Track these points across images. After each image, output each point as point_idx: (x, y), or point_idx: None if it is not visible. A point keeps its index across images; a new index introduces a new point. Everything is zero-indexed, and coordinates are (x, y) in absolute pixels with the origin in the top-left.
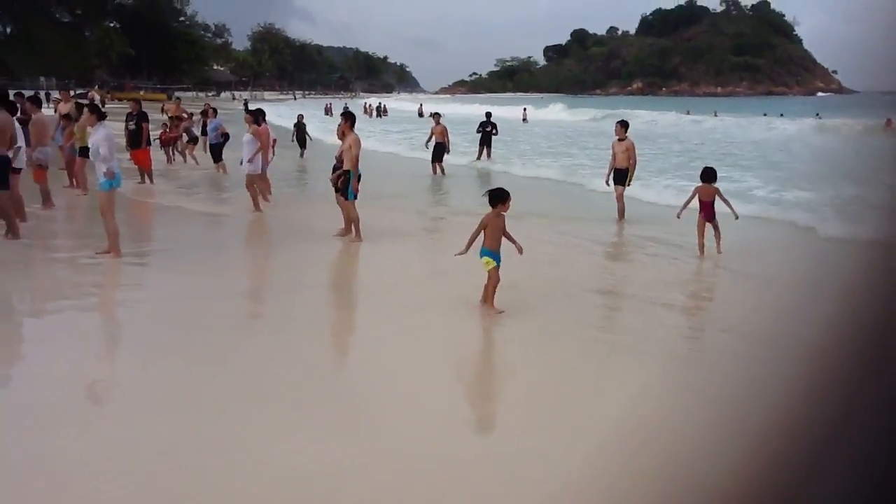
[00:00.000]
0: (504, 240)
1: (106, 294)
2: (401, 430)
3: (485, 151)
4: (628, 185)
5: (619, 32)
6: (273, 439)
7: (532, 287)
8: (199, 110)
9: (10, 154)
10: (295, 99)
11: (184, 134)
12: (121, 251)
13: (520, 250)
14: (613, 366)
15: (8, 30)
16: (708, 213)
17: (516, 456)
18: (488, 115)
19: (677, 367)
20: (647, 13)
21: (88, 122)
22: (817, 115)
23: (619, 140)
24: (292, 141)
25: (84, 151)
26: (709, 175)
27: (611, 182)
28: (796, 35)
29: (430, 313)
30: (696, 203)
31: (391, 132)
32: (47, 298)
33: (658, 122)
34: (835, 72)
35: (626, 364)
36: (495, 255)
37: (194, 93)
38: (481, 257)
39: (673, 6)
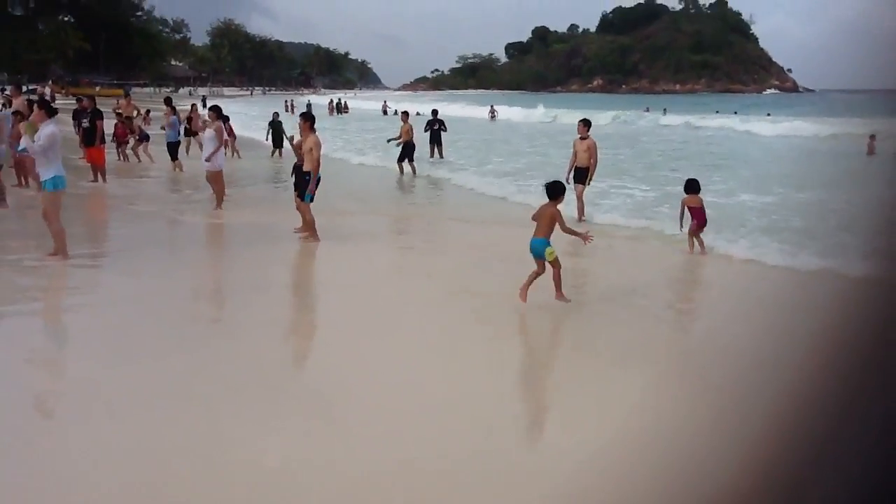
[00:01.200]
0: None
1: (52, 298)
2: (370, 429)
3: (436, 150)
4: (588, 184)
5: (580, 30)
6: (239, 440)
7: (504, 293)
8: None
9: None
10: (251, 95)
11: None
12: (68, 253)
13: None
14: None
15: None
16: (700, 219)
17: (476, 456)
18: (434, 112)
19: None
20: (608, 11)
21: (37, 118)
22: (768, 114)
23: (581, 138)
24: (266, 140)
25: None
26: (692, 186)
27: (571, 180)
28: (752, 34)
29: (393, 312)
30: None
31: (350, 135)
32: None
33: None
34: (790, 70)
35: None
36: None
37: (153, 88)
38: (541, 249)
39: (632, 4)
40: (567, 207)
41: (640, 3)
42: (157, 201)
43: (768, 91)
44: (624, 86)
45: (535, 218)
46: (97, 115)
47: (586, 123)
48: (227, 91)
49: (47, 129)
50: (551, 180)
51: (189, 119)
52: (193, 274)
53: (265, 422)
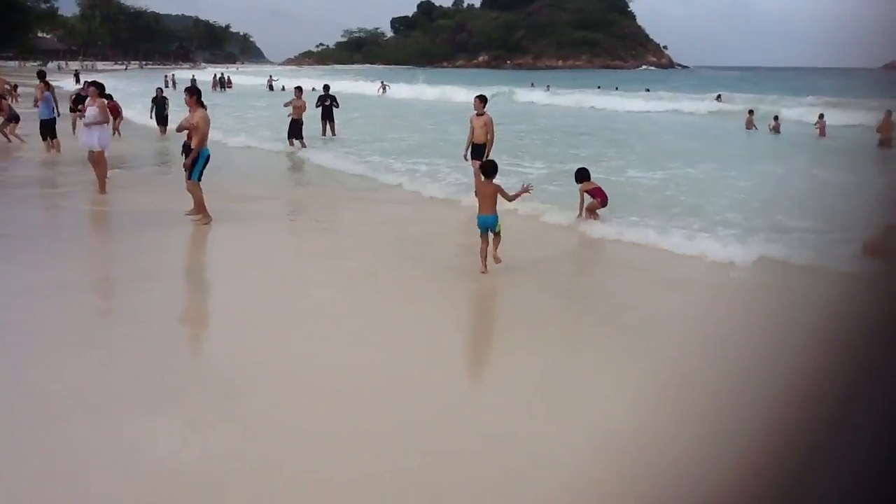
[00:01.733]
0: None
1: None
2: (277, 419)
3: (328, 126)
4: (486, 159)
5: (465, 5)
6: (140, 434)
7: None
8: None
9: None
10: (126, 69)
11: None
12: None
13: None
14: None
15: None
16: (602, 197)
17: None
18: (326, 87)
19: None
20: None
21: None
22: (647, 90)
23: (478, 115)
24: (151, 118)
25: None
26: (583, 175)
27: (468, 156)
28: (630, 11)
29: (295, 293)
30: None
31: (242, 111)
32: None
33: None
34: (665, 47)
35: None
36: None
37: (18, 62)
38: (493, 223)
39: None
40: (452, 188)
41: None
42: (34, 185)
43: (644, 67)
44: (509, 62)
45: (478, 195)
46: None
47: (482, 99)
48: (100, 65)
49: None
50: (487, 159)
51: (77, 97)
52: (81, 264)
53: (174, 415)
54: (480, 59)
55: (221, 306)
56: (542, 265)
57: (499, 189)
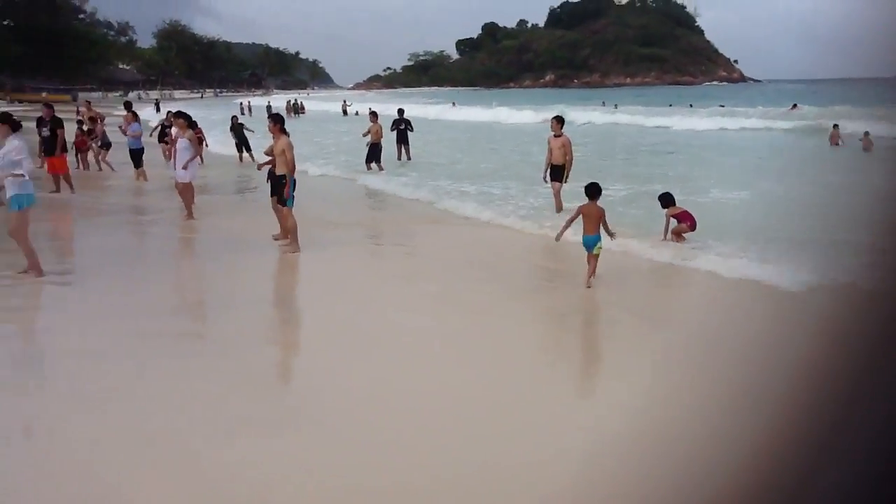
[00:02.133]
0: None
1: (26, 319)
2: (356, 438)
3: (403, 150)
4: (565, 181)
5: (529, 25)
6: (236, 459)
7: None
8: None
9: None
10: (202, 97)
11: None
12: (42, 270)
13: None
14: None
15: None
16: (690, 221)
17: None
18: (400, 111)
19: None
20: (556, 6)
21: (2, 133)
22: (721, 105)
23: (556, 136)
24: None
25: None
26: (668, 199)
27: (547, 178)
28: (698, 26)
29: (375, 316)
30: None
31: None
32: None
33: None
34: (736, 61)
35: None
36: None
37: (101, 93)
38: (594, 243)
39: None
40: (540, 202)
41: None
42: (124, 212)
43: (715, 82)
44: (576, 80)
45: (583, 215)
46: (58, 124)
47: (560, 121)
48: (177, 94)
49: (13, 143)
50: (590, 182)
51: (162, 127)
52: (171, 288)
53: (261, 437)
54: (547, 78)
55: (305, 330)
56: (626, 288)
57: (603, 216)
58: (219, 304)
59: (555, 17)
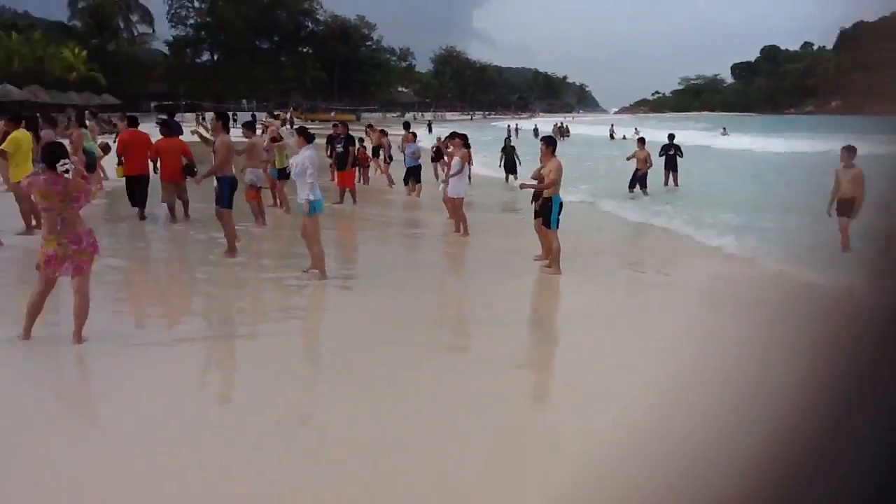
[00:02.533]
0: None
1: (310, 318)
2: None
3: (671, 176)
4: (854, 217)
5: (815, 48)
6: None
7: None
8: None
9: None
10: (472, 119)
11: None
12: (326, 273)
13: None
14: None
15: (215, 57)
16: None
17: None
18: (671, 136)
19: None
20: (847, 26)
21: (298, 144)
22: None
23: (846, 167)
24: (500, 166)
25: (282, 173)
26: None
27: (833, 212)
28: None
29: (627, 346)
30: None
31: (594, 162)
32: (256, 320)
33: None
34: None
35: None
36: None
37: (381, 114)
38: None
39: (876, 18)
40: (828, 237)
41: (884, 17)
42: (399, 225)
43: None
44: (867, 108)
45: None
46: (350, 141)
47: (850, 150)
48: (448, 116)
49: (305, 154)
50: None
51: (437, 149)
52: (436, 301)
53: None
54: (832, 105)
55: (560, 353)
56: None
57: None
58: (479, 321)
59: (847, 38)
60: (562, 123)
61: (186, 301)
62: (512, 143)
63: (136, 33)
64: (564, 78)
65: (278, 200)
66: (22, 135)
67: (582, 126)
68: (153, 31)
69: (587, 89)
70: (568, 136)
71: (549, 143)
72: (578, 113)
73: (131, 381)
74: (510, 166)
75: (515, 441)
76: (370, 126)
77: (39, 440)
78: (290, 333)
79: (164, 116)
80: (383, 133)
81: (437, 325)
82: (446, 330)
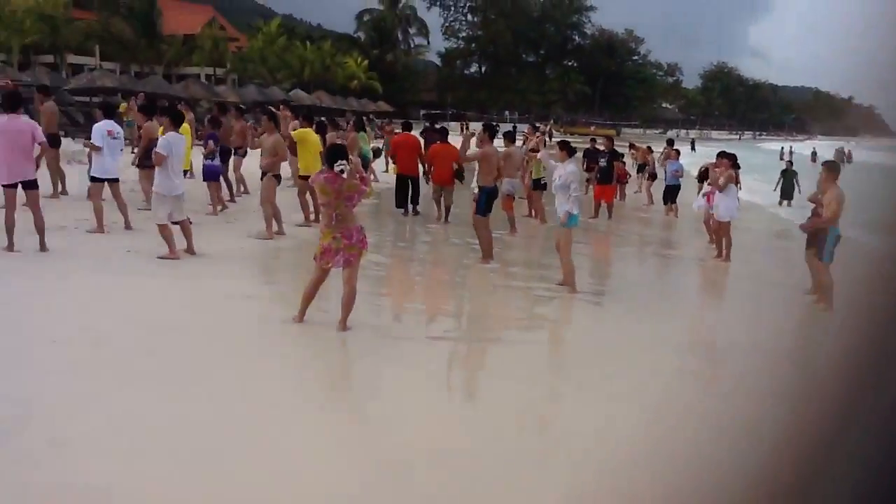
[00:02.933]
0: None
1: (557, 329)
2: None
3: None
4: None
5: None
6: None
7: None
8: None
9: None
10: (740, 139)
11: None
12: (576, 288)
13: None
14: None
15: (483, 69)
16: None
17: None
18: None
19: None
20: None
21: (560, 157)
22: None
23: None
24: (774, 190)
25: (537, 184)
26: None
27: None
28: None
29: None
30: None
31: None
32: (504, 325)
33: None
34: None
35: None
36: None
37: (642, 129)
38: None
39: None
40: None
41: None
42: (653, 244)
43: None
44: None
45: None
46: (615, 157)
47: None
48: (714, 134)
49: (570, 168)
50: None
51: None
52: (689, 325)
53: None
54: None
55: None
56: None
57: None
58: (731, 348)
59: None
60: (846, 149)
61: (441, 301)
62: (794, 168)
63: (412, 45)
64: (850, 98)
65: (533, 211)
66: (308, 133)
67: (866, 151)
68: (428, 43)
69: (876, 111)
70: (850, 161)
71: (832, 168)
72: (863, 137)
73: (388, 370)
74: (787, 191)
75: None
76: (633, 145)
77: (298, 411)
78: (536, 342)
79: (427, 123)
80: (648, 150)
81: (686, 350)
82: (693, 355)
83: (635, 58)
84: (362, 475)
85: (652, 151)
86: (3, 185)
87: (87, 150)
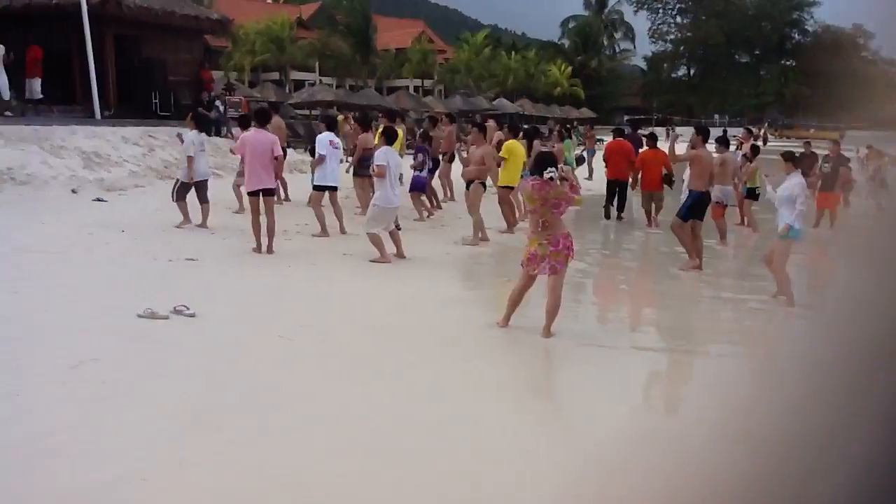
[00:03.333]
0: None
1: (768, 343)
2: None
3: None
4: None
5: None
6: None
7: None
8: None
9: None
10: None
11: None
12: (794, 301)
13: None
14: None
15: (692, 72)
16: None
17: None
18: None
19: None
20: None
21: (786, 170)
22: None
23: None
24: None
25: (750, 192)
26: None
27: None
28: None
29: None
30: None
31: None
32: (711, 338)
33: None
34: None
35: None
36: None
37: (870, 132)
38: None
39: None
40: None
41: None
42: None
43: None
44: None
45: None
46: (840, 161)
47: None
48: None
49: (796, 180)
50: None
51: None
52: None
53: None
54: None
55: None
56: None
57: None
58: None
59: None
60: None
61: (646, 310)
62: None
63: (617, 50)
64: None
65: (745, 219)
66: (516, 145)
67: None
68: (634, 47)
69: None
70: None
71: None
72: None
73: (590, 379)
74: None
75: None
76: (870, 147)
77: (495, 413)
78: (744, 356)
79: (620, 128)
80: (879, 154)
81: None
82: None
83: (864, 54)
84: (559, 485)
85: (884, 155)
86: (248, 193)
87: (310, 160)
